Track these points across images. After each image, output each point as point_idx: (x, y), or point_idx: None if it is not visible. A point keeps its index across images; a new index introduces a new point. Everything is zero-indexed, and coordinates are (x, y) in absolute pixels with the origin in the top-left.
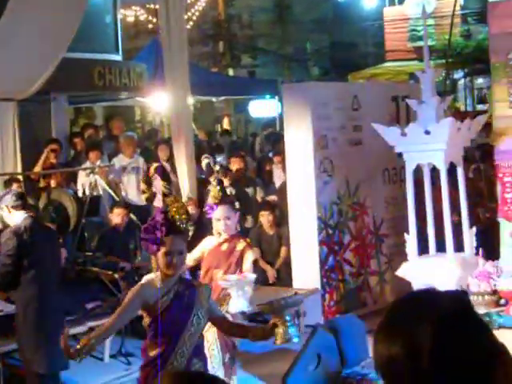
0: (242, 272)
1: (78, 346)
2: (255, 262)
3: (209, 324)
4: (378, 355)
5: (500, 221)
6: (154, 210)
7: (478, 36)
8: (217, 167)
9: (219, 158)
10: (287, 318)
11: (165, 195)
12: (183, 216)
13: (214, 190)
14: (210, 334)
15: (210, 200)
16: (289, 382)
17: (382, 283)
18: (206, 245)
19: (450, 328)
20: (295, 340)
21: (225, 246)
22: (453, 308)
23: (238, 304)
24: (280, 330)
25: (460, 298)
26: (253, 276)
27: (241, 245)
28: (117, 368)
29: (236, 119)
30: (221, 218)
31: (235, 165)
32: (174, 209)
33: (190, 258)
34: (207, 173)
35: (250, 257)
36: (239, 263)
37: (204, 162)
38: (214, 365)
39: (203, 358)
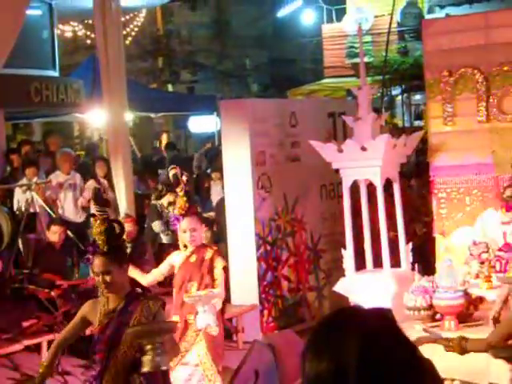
0: (214, 280)
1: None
2: (225, 268)
3: (199, 337)
4: (306, 373)
5: (436, 236)
6: (91, 227)
7: (415, 53)
8: (184, 178)
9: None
10: (157, 345)
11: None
12: (101, 237)
13: (180, 201)
14: (200, 347)
15: (176, 211)
16: None
17: (320, 299)
18: (175, 259)
19: (376, 344)
20: (163, 368)
21: (194, 258)
22: (378, 325)
23: (204, 319)
24: (148, 358)
25: (385, 315)
26: (218, 290)
27: (209, 253)
28: None
29: (175, 135)
30: (187, 230)
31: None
32: (94, 230)
33: (158, 273)
34: (174, 184)
35: (219, 264)
36: (211, 272)
37: (171, 172)
38: (210, 377)
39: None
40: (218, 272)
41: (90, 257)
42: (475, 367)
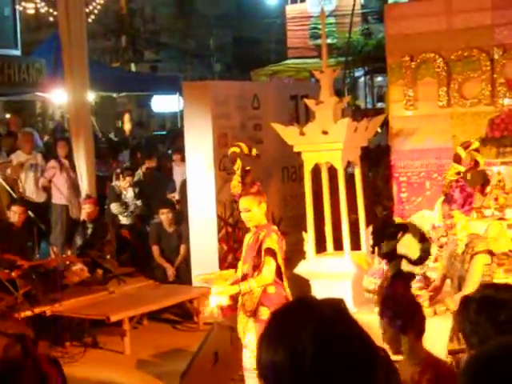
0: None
1: None
2: (268, 250)
3: (250, 323)
4: (262, 363)
5: (396, 219)
6: (52, 207)
7: (378, 35)
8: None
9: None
10: None
11: None
12: None
13: (234, 181)
14: (252, 333)
15: (232, 190)
16: (186, 379)
17: None
18: (246, 242)
19: (330, 332)
20: None
21: (252, 239)
22: (332, 313)
23: (216, 299)
24: None
25: (338, 305)
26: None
27: (262, 233)
28: None
29: (138, 114)
30: (242, 210)
31: (148, 163)
32: None
33: (241, 264)
34: (232, 161)
35: (264, 245)
36: (260, 253)
37: (231, 149)
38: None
39: None
40: (262, 254)
41: None
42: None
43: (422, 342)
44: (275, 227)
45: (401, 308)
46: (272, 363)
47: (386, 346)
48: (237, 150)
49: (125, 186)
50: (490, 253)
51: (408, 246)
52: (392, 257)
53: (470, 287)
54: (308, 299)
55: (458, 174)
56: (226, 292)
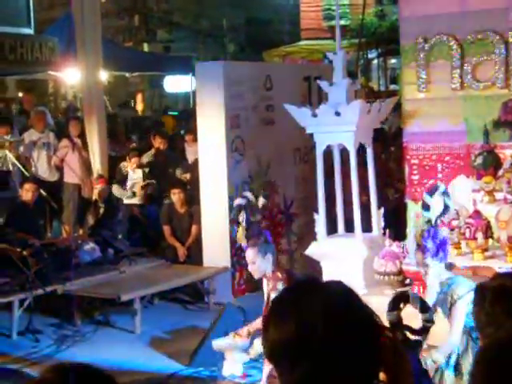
0: None
1: None
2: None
3: None
4: (271, 338)
5: (407, 202)
6: (64, 186)
7: (392, 16)
8: (261, 202)
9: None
10: None
11: None
12: None
13: (239, 232)
14: None
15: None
16: (197, 358)
17: (291, 262)
18: (264, 288)
19: (338, 307)
20: None
21: (270, 287)
22: (338, 290)
23: (232, 368)
24: None
25: (341, 283)
26: (245, 342)
27: (269, 286)
28: (24, 345)
29: (150, 94)
30: (248, 262)
31: (158, 143)
32: None
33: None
34: (236, 213)
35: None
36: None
37: (236, 201)
38: None
39: None
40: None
41: None
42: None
43: None
44: (280, 274)
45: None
46: (281, 340)
47: None
48: (242, 201)
49: (132, 167)
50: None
51: (409, 316)
52: (396, 327)
53: (454, 337)
54: (314, 278)
55: (428, 222)
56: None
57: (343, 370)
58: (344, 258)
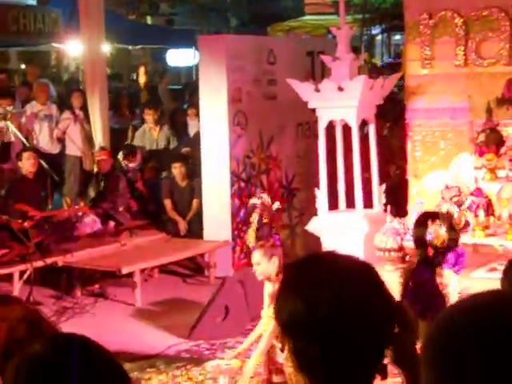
0: None
1: None
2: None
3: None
4: (281, 311)
5: (409, 178)
6: (66, 158)
7: None
8: (276, 206)
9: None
10: None
11: None
12: None
13: (249, 235)
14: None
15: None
16: (197, 331)
17: (292, 237)
18: (265, 291)
19: (350, 284)
20: None
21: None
22: (354, 266)
23: None
24: None
25: (358, 259)
26: (234, 363)
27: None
28: None
29: (153, 68)
30: (253, 263)
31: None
32: None
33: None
34: (249, 212)
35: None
36: None
37: (252, 200)
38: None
39: None
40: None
41: None
42: None
43: None
44: None
45: (423, 294)
46: (289, 312)
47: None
48: (257, 201)
49: (133, 167)
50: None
51: (436, 234)
52: (420, 244)
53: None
54: (329, 252)
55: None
56: None
57: (356, 347)
58: (345, 233)
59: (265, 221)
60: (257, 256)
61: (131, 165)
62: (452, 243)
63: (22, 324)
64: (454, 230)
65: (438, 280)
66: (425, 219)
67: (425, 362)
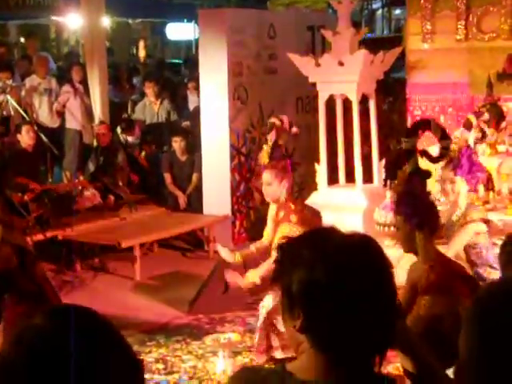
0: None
1: None
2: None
3: None
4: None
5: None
6: (66, 132)
7: None
8: (294, 129)
9: (135, 81)
10: None
11: None
12: None
13: (263, 153)
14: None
15: (260, 161)
16: (196, 305)
17: None
18: (270, 213)
19: (347, 262)
20: None
21: (274, 212)
22: (356, 243)
23: (222, 364)
24: None
25: (365, 236)
26: (233, 337)
27: (281, 214)
28: None
29: (153, 42)
30: (263, 183)
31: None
32: None
33: (268, 232)
34: (268, 131)
35: (279, 232)
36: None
37: (271, 119)
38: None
39: None
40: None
41: None
42: None
43: (434, 241)
44: (293, 206)
45: (418, 204)
46: (287, 287)
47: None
48: (277, 121)
49: (132, 140)
50: (485, 221)
51: (428, 142)
52: (411, 154)
53: (449, 250)
54: (331, 227)
55: (466, 142)
56: None
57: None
58: (344, 208)
59: (280, 142)
60: (268, 176)
61: (130, 138)
62: (444, 152)
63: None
64: (446, 137)
65: (444, 190)
66: (416, 129)
67: (469, 320)
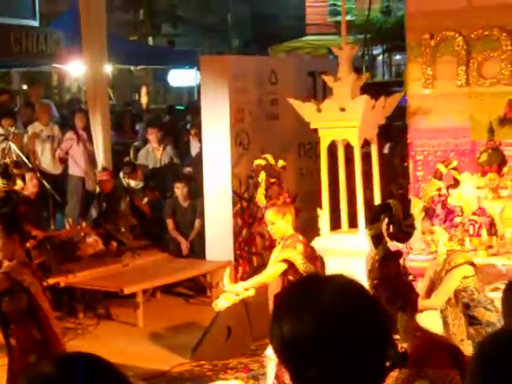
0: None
1: None
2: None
3: None
4: (285, 335)
5: (411, 198)
6: (69, 179)
7: (398, 12)
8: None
9: (138, 127)
10: None
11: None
12: None
13: (259, 193)
14: None
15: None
16: (199, 352)
17: None
18: (273, 254)
19: (349, 294)
20: None
21: (284, 243)
22: (343, 280)
23: None
24: None
25: (344, 275)
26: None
27: (287, 243)
28: None
29: (155, 88)
30: (267, 223)
31: (152, 136)
32: None
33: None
34: (256, 174)
35: (281, 255)
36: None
37: (256, 161)
38: None
39: None
40: (271, 263)
41: None
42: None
43: (416, 319)
44: (301, 237)
45: (399, 288)
46: (298, 333)
47: None
48: (262, 162)
49: (135, 185)
50: (472, 264)
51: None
52: (379, 239)
53: (438, 298)
54: (317, 274)
55: (439, 190)
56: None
57: (355, 368)
58: (347, 253)
59: (272, 180)
60: (269, 215)
61: (133, 183)
62: (410, 230)
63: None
64: (409, 216)
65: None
66: (377, 215)
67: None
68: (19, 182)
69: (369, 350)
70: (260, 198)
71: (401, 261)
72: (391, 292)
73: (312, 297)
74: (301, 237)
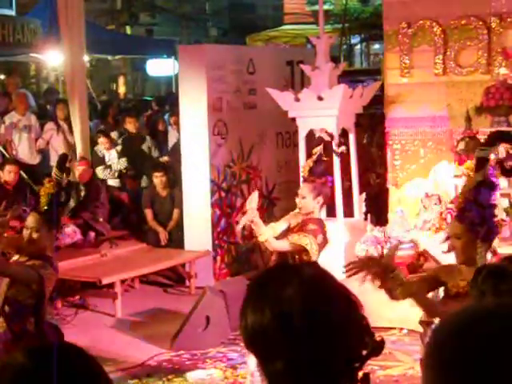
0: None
1: None
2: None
3: None
4: (248, 327)
5: (389, 187)
6: (50, 169)
7: (375, 2)
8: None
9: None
10: None
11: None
12: (45, 198)
13: (305, 166)
14: None
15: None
16: (178, 342)
17: None
18: (292, 219)
19: (315, 290)
20: None
21: (295, 225)
22: (313, 272)
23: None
24: None
25: (316, 264)
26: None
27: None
28: None
29: (133, 78)
30: (299, 195)
31: (130, 124)
32: (43, 189)
33: (276, 229)
34: (316, 144)
35: (300, 239)
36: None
37: (320, 134)
38: None
39: None
40: (293, 239)
41: (27, 209)
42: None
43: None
44: (325, 227)
45: (488, 217)
46: (259, 325)
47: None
48: (326, 137)
49: (105, 148)
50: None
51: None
52: (483, 163)
53: None
54: (288, 263)
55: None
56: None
57: (322, 359)
58: None
59: (324, 159)
60: (305, 189)
61: (107, 154)
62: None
63: None
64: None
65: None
66: (493, 140)
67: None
68: None
69: (338, 341)
70: (305, 169)
71: (496, 195)
72: (480, 218)
73: (276, 289)
74: (326, 227)
